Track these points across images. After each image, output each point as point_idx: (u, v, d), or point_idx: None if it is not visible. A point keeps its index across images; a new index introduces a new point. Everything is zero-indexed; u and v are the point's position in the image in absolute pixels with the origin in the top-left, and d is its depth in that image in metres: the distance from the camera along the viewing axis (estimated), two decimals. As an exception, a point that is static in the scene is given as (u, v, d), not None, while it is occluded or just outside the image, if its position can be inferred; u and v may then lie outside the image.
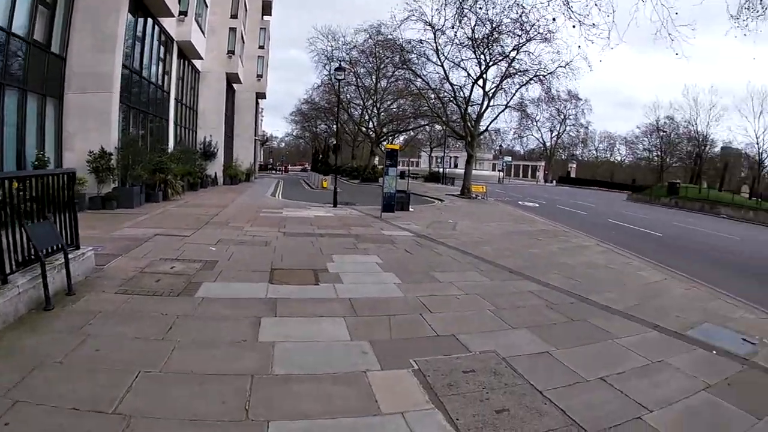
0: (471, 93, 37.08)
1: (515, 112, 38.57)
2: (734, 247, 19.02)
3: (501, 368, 5.05)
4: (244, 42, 38.75)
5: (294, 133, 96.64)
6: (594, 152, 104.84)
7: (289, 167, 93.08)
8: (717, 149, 77.72)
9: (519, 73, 35.70)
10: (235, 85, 40.19)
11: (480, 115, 37.11)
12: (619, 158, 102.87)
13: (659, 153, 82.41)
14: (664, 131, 79.64)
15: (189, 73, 30.78)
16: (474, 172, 39.26)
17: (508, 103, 37.39)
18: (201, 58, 30.51)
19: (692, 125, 74.62)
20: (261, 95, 46.54)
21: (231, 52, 34.69)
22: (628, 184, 76.05)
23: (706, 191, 49.38)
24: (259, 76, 44.32)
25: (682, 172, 76.89)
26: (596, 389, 4.75)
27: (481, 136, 44.26)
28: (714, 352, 6.09)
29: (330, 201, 22.80)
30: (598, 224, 23.54)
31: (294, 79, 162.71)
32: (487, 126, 40.08)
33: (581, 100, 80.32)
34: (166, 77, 24.80)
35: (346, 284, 8.07)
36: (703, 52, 57.72)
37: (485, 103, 36.67)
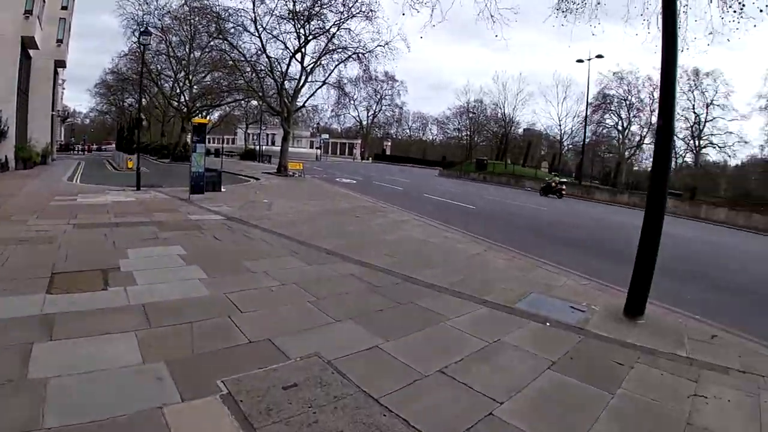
0: (288, 67, 36.03)
1: (333, 90, 38.16)
2: (543, 216, 20.60)
3: (328, 376, 4.42)
4: (44, 1, 33.07)
5: (100, 108, 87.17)
6: (408, 131, 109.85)
7: (93, 146, 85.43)
8: (521, 130, 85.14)
9: (339, 50, 35.35)
10: (30, 52, 33.83)
11: (297, 91, 36.17)
12: (431, 137, 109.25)
13: (468, 133, 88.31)
14: (473, 113, 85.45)
15: None
16: (291, 149, 38.52)
17: (326, 79, 36.76)
18: None
19: (500, 108, 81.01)
20: (60, 63, 40.08)
21: (29, 12, 28.81)
22: (439, 161, 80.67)
23: (511, 167, 53.78)
24: (59, 41, 37.67)
25: (488, 151, 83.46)
26: (439, 387, 4.39)
27: (299, 113, 43.44)
28: (548, 323, 6.20)
29: (134, 184, 20.92)
30: (414, 198, 24.30)
31: (103, 49, 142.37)
32: (305, 102, 39.44)
33: (397, 81, 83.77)
34: None
35: (140, 285, 6.75)
36: (516, 44, 62.64)
37: (303, 78, 35.75)
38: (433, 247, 11.09)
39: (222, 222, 12.85)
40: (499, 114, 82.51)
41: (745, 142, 60.25)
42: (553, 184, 37.17)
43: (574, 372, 4.83)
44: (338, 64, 36.33)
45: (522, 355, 5.19)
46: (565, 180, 40.20)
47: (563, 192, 36.03)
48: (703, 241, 19.63)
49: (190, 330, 5.29)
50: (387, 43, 34.50)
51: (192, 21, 42.81)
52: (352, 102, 41.73)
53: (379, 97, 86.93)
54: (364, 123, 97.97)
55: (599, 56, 43.02)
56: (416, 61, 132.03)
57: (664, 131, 6.86)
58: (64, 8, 38.16)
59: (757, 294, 10.10)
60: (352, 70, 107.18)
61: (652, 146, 7.84)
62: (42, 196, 16.38)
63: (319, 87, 37.10)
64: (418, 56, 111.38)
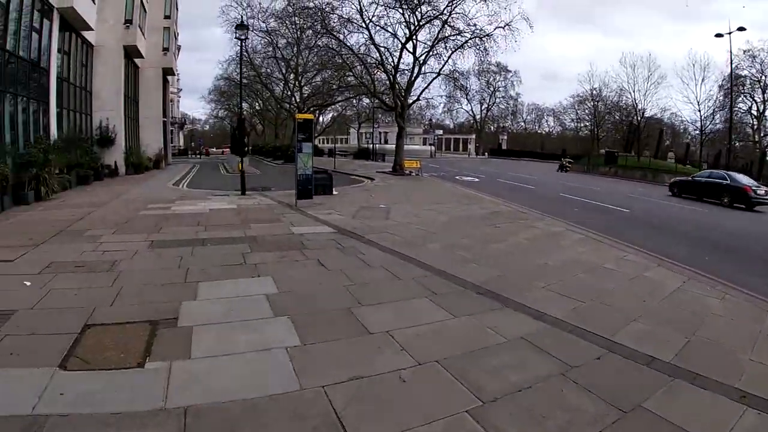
0: (400, 58, 33.53)
1: (445, 84, 35.39)
2: (731, 224, 16.55)
3: None
4: (145, 10, 33.62)
5: (216, 114, 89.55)
6: (522, 124, 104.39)
7: (210, 150, 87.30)
8: (650, 117, 77.26)
9: (453, 36, 32.36)
10: (138, 61, 35.10)
11: (410, 84, 33.64)
12: (547, 129, 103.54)
13: (594, 122, 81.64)
14: (597, 100, 79.02)
15: (78, 47, 26.13)
16: (404, 146, 35.95)
17: (441, 68, 33.94)
18: (91, 29, 25.82)
19: (630, 93, 73.52)
20: (168, 71, 40.81)
21: (129, 22, 29.68)
22: (558, 154, 75.34)
23: (646, 160, 48.26)
24: (166, 50, 38.46)
25: (611, 142, 76.67)
26: None
27: (411, 108, 41.00)
28: None
29: (248, 186, 19.16)
30: (553, 200, 20.87)
31: (218, 60, 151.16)
32: (419, 95, 36.30)
33: (510, 72, 79.03)
34: (43, 52, 20.34)
35: (194, 360, 4.46)
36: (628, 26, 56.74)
37: (416, 69, 33.26)
38: (618, 281, 7.95)
39: (331, 237, 10.56)
40: (628, 101, 75.24)
41: None
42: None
43: None
44: (453, 52, 33.14)
45: None
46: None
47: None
48: None
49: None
50: (507, 24, 31.13)
51: (296, 21, 41.17)
52: (465, 95, 38.73)
53: (492, 89, 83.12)
54: (478, 117, 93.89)
55: (741, 29, 37.32)
56: (526, 52, 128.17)
57: None
58: (166, 17, 38.62)
59: None
60: (466, 61, 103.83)
61: None
62: (135, 204, 15.27)
63: (435, 77, 34.50)
64: (528, 46, 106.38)
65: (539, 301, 6.48)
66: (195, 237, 10.14)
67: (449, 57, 33.36)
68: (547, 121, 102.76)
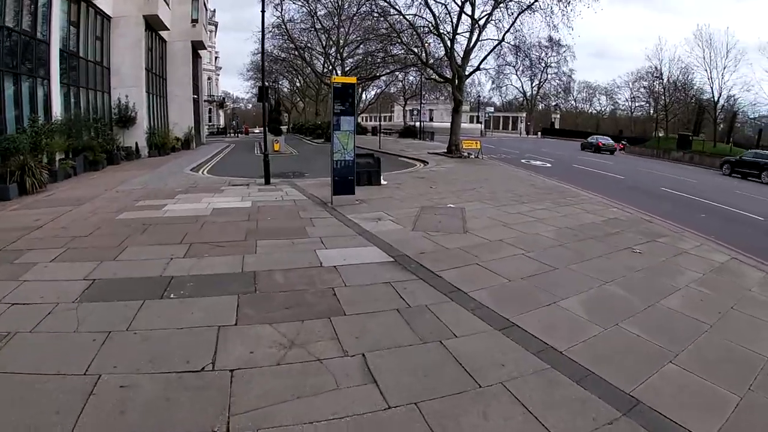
0: (459, 20, 28.56)
1: (496, 57, 30.89)
2: None
3: None
4: None
5: (256, 92, 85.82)
6: (573, 103, 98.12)
7: (251, 129, 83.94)
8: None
9: None
10: (164, 35, 31.80)
11: (468, 51, 28.63)
12: (599, 108, 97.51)
13: (656, 102, 74.34)
14: (660, 78, 71.95)
15: (91, 18, 23.06)
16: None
17: (504, 34, 28.83)
18: None
19: (707, 70, 64.57)
20: (199, 45, 36.71)
21: None
22: (616, 135, 69.98)
23: (725, 146, 42.27)
24: (195, 21, 34.59)
25: (675, 124, 69.88)
26: None
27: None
28: None
29: (278, 171, 15.68)
30: (659, 198, 16.21)
31: (253, 32, 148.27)
32: (478, 65, 30.95)
33: (563, 47, 72.38)
34: (41, 22, 17.37)
35: None
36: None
37: (474, 35, 28.31)
38: None
39: (384, 274, 6.46)
40: (699, 79, 67.29)
41: None
42: None
43: None
44: (520, 13, 27.80)
45: None
46: None
47: None
48: None
49: None
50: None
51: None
52: (515, 71, 33.98)
53: (543, 65, 77.12)
54: (528, 94, 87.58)
55: None
56: (575, 27, 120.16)
57: None
58: None
59: None
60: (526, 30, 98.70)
61: None
62: (124, 201, 11.86)
63: (497, 44, 29.40)
64: (576, 22, 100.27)
65: None
66: (161, 273, 6.22)
67: (515, 20, 28.16)
68: (599, 99, 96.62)
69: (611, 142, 45.99)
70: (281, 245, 7.66)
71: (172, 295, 5.47)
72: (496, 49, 30.41)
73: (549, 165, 25.97)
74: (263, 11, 15.49)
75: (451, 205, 11.61)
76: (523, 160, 27.70)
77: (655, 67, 69.76)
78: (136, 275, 6.17)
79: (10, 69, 15.47)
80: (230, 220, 9.57)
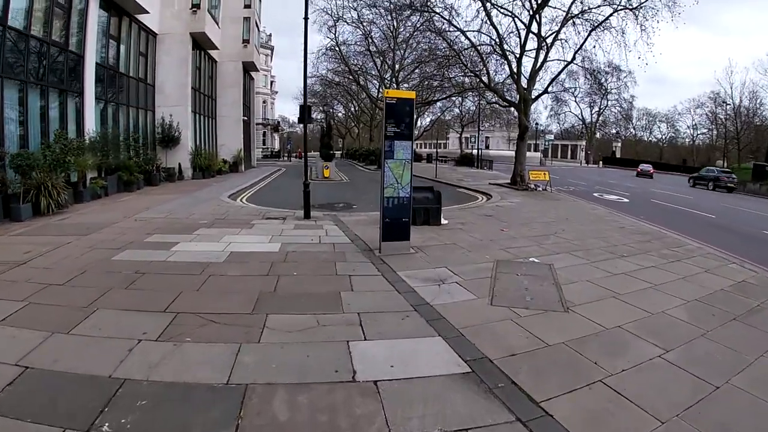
0: (527, 38, 25.81)
1: (561, 78, 28.71)
2: None
3: None
4: None
5: (316, 117, 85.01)
6: (632, 130, 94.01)
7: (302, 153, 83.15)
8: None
9: (592, 8, 24.60)
10: (214, 55, 31.10)
11: (535, 72, 25.84)
12: (659, 136, 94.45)
13: (735, 127, 69.39)
14: (722, 102, 67.97)
15: (134, 34, 22.47)
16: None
17: (576, 52, 25.81)
18: (145, 11, 21.80)
19: None
20: (250, 66, 35.56)
21: (196, 6, 25.66)
22: (680, 165, 68.92)
23: None
24: (246, 42, 33.73)
25: (742, 151, 65.72)
26: None
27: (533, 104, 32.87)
28: None
29: (323, 201, 14.67)
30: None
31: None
32: (547, 87, 28.05)
33: (623, 72, 68.42)
34: (74, 33, 16.60)
35: None
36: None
37: (541, 55, 25.64)
38: None
39: (453, 402, 3.92)
40: None
41: None
42: None
43: None
44: (593, 29, 24.76)
45: None
46: None
47: None
48: None
49: None
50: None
51: (393, 6, 34.48)
52: (574, 98, 31.23)
53: (604, 91, 73.36)
54: (587, 122, 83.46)
55: None
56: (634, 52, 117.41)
57: None
58: (247, 6, 34.04)
59: None
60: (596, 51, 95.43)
61: None
62: (134, 234, 10.27)
63: (567, 65, 26.53)
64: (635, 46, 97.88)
65: None
66: (112, 372, 4.02)
67: (586, 38, 25.17)
68: (659, 127, 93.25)
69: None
70: (300, 326, 5.34)
71: (104, 429, 3.27)
72: (555, 73, 27.87)
73: (626, 200, 22.93)
74: (306, 18, 13.49)
75: (535, 260, 8.97)
76: (595, 194, 24.86)
77: (718, 94, 66.73)
78: (80, 369, 4.09)
79: (36, 81, 14.31)
80: (244, 273, 7.42)
